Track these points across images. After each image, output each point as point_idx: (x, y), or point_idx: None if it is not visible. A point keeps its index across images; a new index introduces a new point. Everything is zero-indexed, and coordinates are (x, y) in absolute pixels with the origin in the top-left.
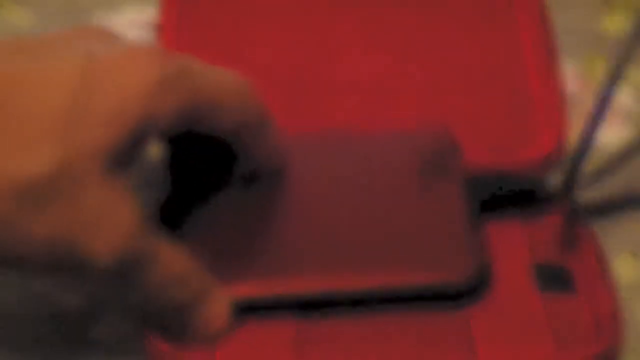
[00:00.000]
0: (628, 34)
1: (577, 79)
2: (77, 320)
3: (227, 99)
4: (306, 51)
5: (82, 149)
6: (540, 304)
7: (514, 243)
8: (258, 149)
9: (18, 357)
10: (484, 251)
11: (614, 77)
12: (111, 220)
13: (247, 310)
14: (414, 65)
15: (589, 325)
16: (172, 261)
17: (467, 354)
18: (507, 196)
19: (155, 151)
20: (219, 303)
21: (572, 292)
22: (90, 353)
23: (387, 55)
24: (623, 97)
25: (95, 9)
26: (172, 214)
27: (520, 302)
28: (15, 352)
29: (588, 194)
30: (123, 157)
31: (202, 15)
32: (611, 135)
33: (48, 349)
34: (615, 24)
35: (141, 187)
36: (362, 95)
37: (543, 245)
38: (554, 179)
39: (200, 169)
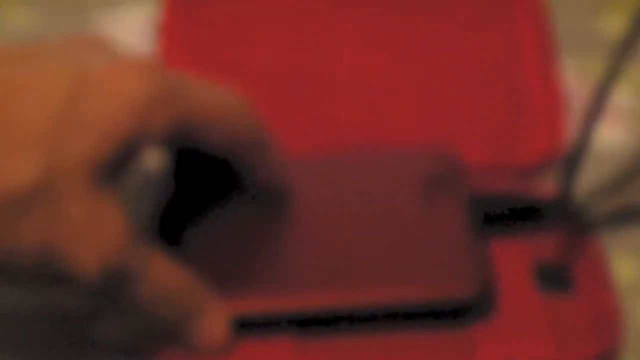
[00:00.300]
0: (625, 33)
1: (576, 79)
2: (77, 320)
3: (220, 117)
4: (306, 51)
5: (67, 160)
6: (540, 304)
7: (514, 249)
8: (256, 168)
9: (18, 357)
10: (488, 267)
11: (609, 78)
12: (96, 232)
13: (247, 326)
14: (412, 66)
15: (589, 326)
16: (164, 276)
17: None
18: (510, 213)
19: (155, 159)
20: (214, 319)
21: (571, 293)
22: (90, 353)
23: (386, 55)
24: (624, 98)
25: (96, 9)
26: (172, 226)
27: (521, 305)
28: (15, 352)
29: (597, 206)
30: (110, 169)
31: (202, 16)
32: (612, 136)
33: (48, 349)
34: (615, 24)
35: (140, 196)
36: (362, 95)
37: (543, 247)
38: (554, 179)
39: (202, 180)
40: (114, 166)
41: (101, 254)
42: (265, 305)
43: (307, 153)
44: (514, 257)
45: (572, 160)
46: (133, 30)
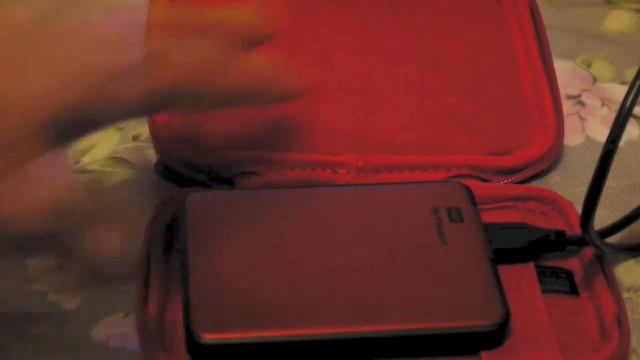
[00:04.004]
0: None
1: (576, 79)
2: (77, 320)
3: (193, 83)
4: (300, 54)
5: (17, 101)
6: (546, 313)
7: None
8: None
9: (18, 357)
10: (504, 294)
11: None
12: (43, 186)
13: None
14: (406, 68)
15: (595, 333)
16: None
17: None
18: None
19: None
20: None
21: (577, 299)
22: (90, 353)
23: (381, 58)
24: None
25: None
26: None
27: (527, 317)
28: (16, 353)
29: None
30: (59, 128)
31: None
32: None
33: (48, 349)
34: (615, 24)
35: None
36: (357, 97)
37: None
38: (553, 180)
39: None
40: (63, 127)
41: (33, 205)
42: (289, 336)
43: (304, 155)
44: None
45: (591, 195)
46: None
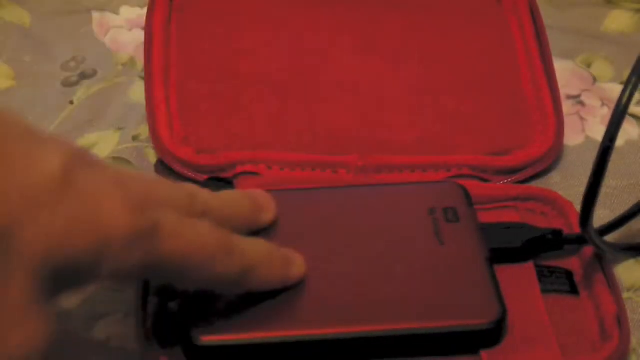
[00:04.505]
0: None
1: (576, 79)
2: (77, 320)
3: (197, 260)
4: (299, 55)
5: (29, 233)
6: (546, 312)
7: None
8: (242, 290)
9: None
10: (501, 293)
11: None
12: (23, 327)
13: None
14: (405, 68)
15: (595, 332)
16: None
17: None
18: (521, 247)
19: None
20: None
21: (577, 299)
22: (91, 353)
23: (381, 58)
24: None
25: (94, 10)
26: None
27: (526, 316)
28: None
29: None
30: (59, 276)
31: (193, 19)
32: None
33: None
34: (615, 24)
35: None
36: (357, 97)
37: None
38: (553, 180)
39: None
40: (63, 276)
41: (13, 350)
42: (286, 337)
43: (304, 155)
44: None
45: (590, 192)
46: (129, 30)
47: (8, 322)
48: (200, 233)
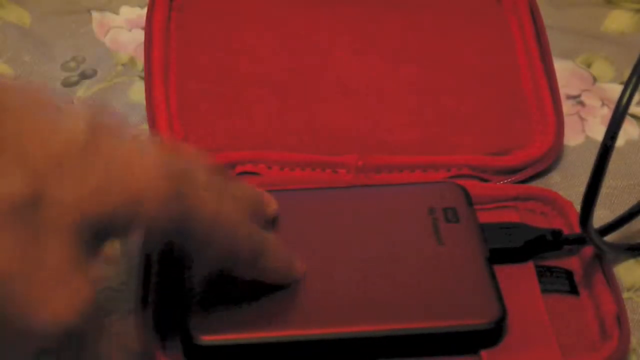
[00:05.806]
0: None
1: (576, 79)
2: None
3: (223, 228)
4: (299, 55)
5: (60, 196)
6: (545, 312)
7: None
8: (250, 274)
9: (18, 357)
10: (500, 293)
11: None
12: (63, 289)
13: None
14: (405, 67)
15: (594, 330)
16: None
17: None
18: (521, 246)
19: None
20: None
21: (577, 299)
22: None
23: (381, 58)
24: None
25: (94, 9)
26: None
27: (526, 317)
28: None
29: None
30: (95, 232)
31: (193, 20)
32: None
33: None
34: (615, 24)
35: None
36: (357, 97)
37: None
38: (553, 180)
39: None
40: (99, 232)
41: (59, 311)
42: (286, 337)
43: (304, 155)
44: (519, 271)
45: (590, 192)
46: (130, 30)
47: (50, 283)
48: (225, 203)
